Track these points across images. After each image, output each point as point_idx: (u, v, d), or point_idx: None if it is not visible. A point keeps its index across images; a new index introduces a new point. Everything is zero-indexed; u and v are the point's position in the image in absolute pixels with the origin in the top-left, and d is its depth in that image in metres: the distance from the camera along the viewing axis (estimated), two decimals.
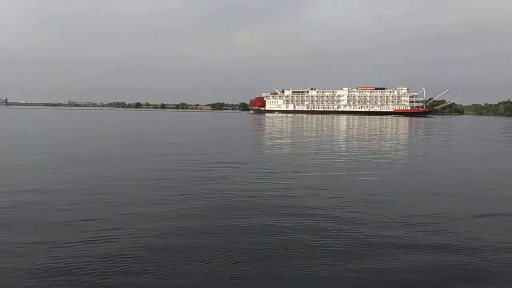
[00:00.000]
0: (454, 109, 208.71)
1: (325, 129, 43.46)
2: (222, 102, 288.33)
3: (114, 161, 14.67)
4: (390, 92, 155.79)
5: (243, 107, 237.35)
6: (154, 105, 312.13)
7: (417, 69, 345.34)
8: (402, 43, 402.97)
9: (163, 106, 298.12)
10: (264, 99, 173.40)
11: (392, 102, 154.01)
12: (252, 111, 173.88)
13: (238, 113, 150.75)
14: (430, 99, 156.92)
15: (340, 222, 7.93)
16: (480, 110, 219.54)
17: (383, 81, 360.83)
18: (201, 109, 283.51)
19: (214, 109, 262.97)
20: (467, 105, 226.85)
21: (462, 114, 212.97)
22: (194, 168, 13.03)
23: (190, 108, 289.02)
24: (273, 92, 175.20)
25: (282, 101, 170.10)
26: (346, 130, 43.04)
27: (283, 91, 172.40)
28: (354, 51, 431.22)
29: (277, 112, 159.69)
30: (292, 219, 8.12)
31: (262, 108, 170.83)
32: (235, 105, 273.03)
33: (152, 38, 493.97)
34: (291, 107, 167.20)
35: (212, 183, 11.32)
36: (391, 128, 51.91)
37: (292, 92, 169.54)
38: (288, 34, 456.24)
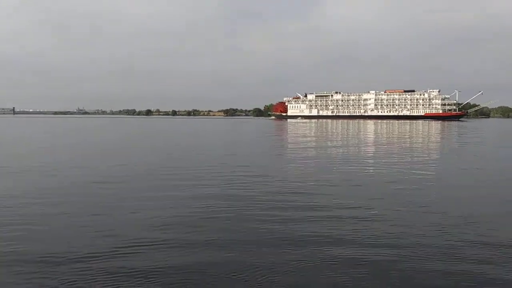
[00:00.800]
0: (480, 112, 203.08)
1: (355, 136, 41.38)
2: (235, 108, 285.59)
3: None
4: (420, 94, 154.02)
5: (257, 112, 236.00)
6: (164, 111, 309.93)
7: (446, 71, 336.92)
8: (429, 43, 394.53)
9: (174, 113, 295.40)
10: (286, 104, 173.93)
11: (423, 105, 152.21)
12: (273, 117, 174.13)
13: (254, 120, 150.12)
14: (459, 103, 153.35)
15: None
16: (507, 112, 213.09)
17: (410, 83, 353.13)
18: (213, 115, 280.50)
19: (227, 115, 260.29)
20: (493, 107, 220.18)
21: (488, 117, 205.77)
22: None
23: (202, 115, 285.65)
24: (295, 97, 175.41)
25: (305, 106, 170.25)
26: (375, 137, 41.44)
27: (305, 96, 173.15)
28: (378, 52, 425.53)
29: (299, 118, 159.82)
30: (334, 229, 8.19)
31: (284, 114, 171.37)
32: (249, 111, 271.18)
33: (157, 39, 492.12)
34: (314, 112, 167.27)
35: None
36: (427, 133, 49.98)
37: (316, 96, 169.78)
38: (305, 35, 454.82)
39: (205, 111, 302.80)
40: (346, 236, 7.71)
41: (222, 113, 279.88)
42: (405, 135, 47.13)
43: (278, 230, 7.93)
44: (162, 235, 7.56)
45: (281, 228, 8.04)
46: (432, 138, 39.88)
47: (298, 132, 52.67)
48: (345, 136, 42.63)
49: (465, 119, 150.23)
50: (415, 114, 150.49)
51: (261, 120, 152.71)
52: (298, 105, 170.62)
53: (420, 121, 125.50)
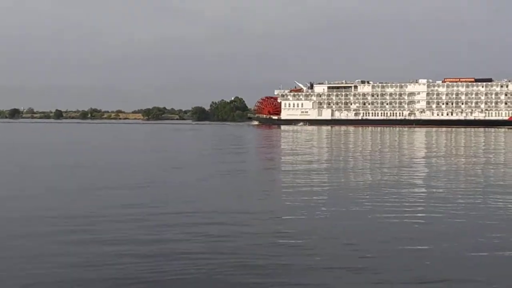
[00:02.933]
0: None
1: (408, 166, 38.49)
2: (162, 107, 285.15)
3: None
4: (502, 86, 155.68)
5: (199, 114, 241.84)
6: (43, 112, 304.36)
7: None
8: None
9: (58, 115, 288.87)
10: (279, 100, 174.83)
11: (507, 103, 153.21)
12: (256, 122, 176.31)
13: (205, 127, 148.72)
14: None
15: None
16: None
17: (476, 69, 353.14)
18: (125, 118, 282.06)
19: (149, 119, 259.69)
20: None
21: None
22: None
23: (105, 118, 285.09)
24: (295, 89, 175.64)
25: (311, 103, 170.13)
26: (446, 167, 37.65)
27: (311, 87, 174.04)
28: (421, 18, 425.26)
29: (302, 123, 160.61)
30: None
31: (275, 117, 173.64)
32: (186, 112, 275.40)
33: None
34: (327, 114, 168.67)
35: None
36: None
37: (329, 87, 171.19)
38: None
39: (112, 112, 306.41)
40: None
41: (141, 115, 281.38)
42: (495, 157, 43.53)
43: None
44: None
45: None
46: None
47: (299, 154, 48.45)
48: (391, 165, 39.12)
49: None
50: (494, 118, 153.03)
51: (228, 127, 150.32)
52: (300, 102, 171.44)
53: (503, 130, 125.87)
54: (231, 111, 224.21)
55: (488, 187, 24.52)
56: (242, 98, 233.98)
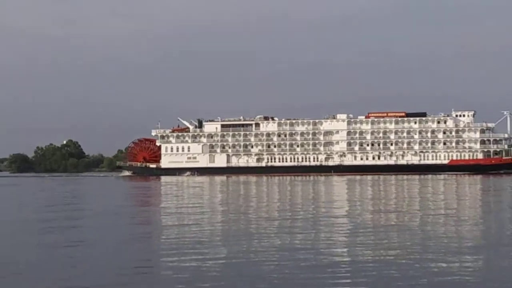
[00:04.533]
0: None
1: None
2: None
3: None
4: (439, 122, 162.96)
5: (19, 164, 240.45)
6: None
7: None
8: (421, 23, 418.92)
9: None
10: (158, 143, 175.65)
11: (445, 143, 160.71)
12: (127, 172, 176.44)
13: (15, 180, 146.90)
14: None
15: None
16: None
17: (402, 101, 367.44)
18: None
19: None
20: None
21: None
22: None
23: None
24: (178, 128, 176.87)
25: (200, 146, 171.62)
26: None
27: (200, 125, 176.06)
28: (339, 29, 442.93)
29: (189, 173, 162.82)
30: None
31: (153, 165, 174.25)
32: (2, 161, 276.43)
33: None
34: (221, 161, 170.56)
35: None
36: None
37: (223, 126, 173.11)
38: None
39: None
40: None
41: None
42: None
43: None
44: None
45: None
46: None
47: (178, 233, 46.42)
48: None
49: None
50: (431, 161, 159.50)
51: (71, 180, 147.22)
52: (186, 145, 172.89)
53: (442, 176, 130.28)
54: (63, 159, 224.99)
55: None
56: (77, 142, 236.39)
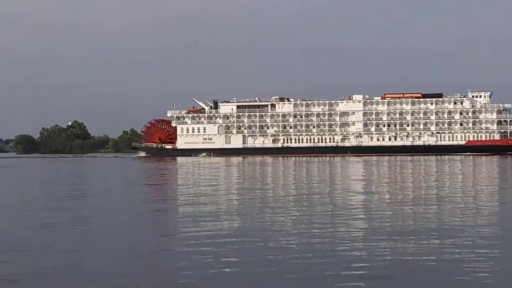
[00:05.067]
0: None
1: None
2: None
3: None
4: (455, 103, 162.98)
5: (26, 145, 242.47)
6: None
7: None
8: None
9: None
10: (174, 124, 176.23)
11: (462, 124, 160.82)
12: (143, 153, 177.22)
13: (21, 161, 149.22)
14: None
15: None
16: None
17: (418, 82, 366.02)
18: None
19: None
20: None
21: None
22: None
23: None
24: (193, 109, 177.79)
25: (216, 127, 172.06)
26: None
27: (215, 106, 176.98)
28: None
29: (205, 154, 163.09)
30: None
31: (169, 146, 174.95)
32: (8, 142, 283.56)
33: None
34: (237, 141, 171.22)
35: None
36: None
37: (239, 107, 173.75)
38: None
39: None
40: None
41: None
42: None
43: None
44: None
45: None
46: None
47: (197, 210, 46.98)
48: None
49: None
50: (447, 142, 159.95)
51: (76, 161, 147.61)
52: (202, 126, 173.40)
53: (459, 157, 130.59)
54: (68, 140, 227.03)
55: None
56: (82, 123, 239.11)
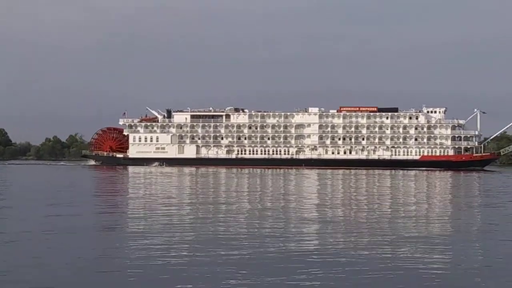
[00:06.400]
0: None
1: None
2: None
3: None
4: (411, 118, 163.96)
5: None
6: None
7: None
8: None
9: None
10: (126, 132, 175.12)
11: (417, 139, 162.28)
12: (93, 161, 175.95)
13: None
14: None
15: None
16: None
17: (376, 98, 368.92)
18: None
19: None
20: None
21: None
22: None
23: None
24: (146, 118, 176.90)
25: (169, 137, 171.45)
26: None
27: (169, 115, 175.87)
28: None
29: (157, 164, 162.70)
30: None
31: (120, 155, 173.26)
32: None
33: None
34: (190, 151, 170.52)
35: None
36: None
37: (193, 116, 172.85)
38: None
39: None
40: None
41: None
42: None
43: None
44: None
45: None
46: None
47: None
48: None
49: (494, 169, 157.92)
50: (402, 157, 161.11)
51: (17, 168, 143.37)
52: (154, 135, 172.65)
53: (413, 172, 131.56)
54: None
55: None
56: (3, 129, 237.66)
